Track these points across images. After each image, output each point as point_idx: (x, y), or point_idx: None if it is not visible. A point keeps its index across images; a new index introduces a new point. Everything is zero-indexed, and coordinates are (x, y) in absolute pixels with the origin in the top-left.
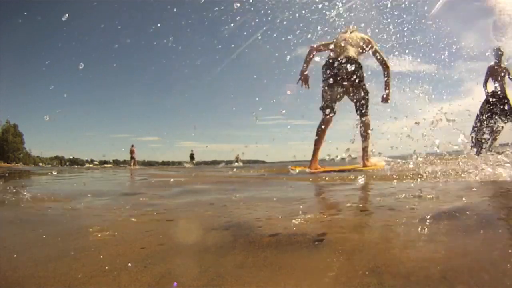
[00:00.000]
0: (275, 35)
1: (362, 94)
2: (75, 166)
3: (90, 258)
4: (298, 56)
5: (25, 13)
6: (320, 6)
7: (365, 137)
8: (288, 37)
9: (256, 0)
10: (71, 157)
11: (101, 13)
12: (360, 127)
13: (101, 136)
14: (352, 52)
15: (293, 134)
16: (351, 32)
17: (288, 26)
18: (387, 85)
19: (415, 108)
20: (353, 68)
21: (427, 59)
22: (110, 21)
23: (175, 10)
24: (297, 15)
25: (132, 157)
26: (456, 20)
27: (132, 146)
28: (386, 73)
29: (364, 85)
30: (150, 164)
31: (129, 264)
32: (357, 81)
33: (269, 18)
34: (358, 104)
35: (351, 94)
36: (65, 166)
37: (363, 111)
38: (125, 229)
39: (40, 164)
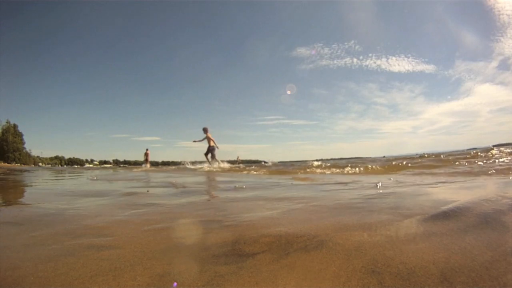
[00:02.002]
0: (273, 37)
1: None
2: (75, 166)
3: (90, 258)
4: (297, 56)
5: (25, 13)
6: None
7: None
8: (286, 38)
9: (256, 4)
10: (71, 157)
11: (101, 14)
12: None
13: (101, 136)
14: (212, 143)
15: (292, 134)
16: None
17: (286, 28)
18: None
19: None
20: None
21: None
22: (110, 22)
23: (176, 12)
24: (295, 18)
25: (146, 159)
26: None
27: (147, 150)
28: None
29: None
30: (150, 164)
31: (129, 264)
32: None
33: (268, 21)
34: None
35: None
36: (65, 166)
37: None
38: (124, 229)
39: (40, 164)
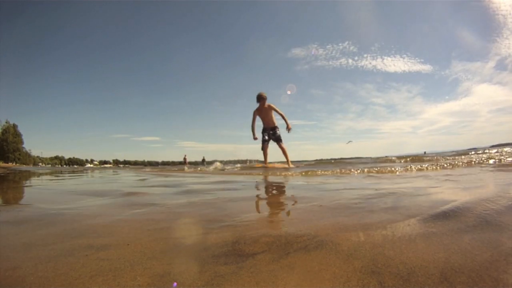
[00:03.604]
0: (271, 37)
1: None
2: (75, 166)
3: (90, 258)
4: (293, 56)
5: (25, 13)
6: None
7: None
8: (284, 39)
9: (255, 5)
10: (71, 157)
11: (101, 14)
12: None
13: (101, 136)
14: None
15: (291, 134)
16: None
17: (284, 28)
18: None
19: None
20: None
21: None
22: (110, 22)
23: (176, 12)
24: (289, 18)
25: (184, 162)
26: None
27: (185, 155)
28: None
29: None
30: (150, 164)
31: (129, 264)
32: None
33: (266, 21)
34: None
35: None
36: (65, 166)
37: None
38: (124, 229)
39: (40, 164)
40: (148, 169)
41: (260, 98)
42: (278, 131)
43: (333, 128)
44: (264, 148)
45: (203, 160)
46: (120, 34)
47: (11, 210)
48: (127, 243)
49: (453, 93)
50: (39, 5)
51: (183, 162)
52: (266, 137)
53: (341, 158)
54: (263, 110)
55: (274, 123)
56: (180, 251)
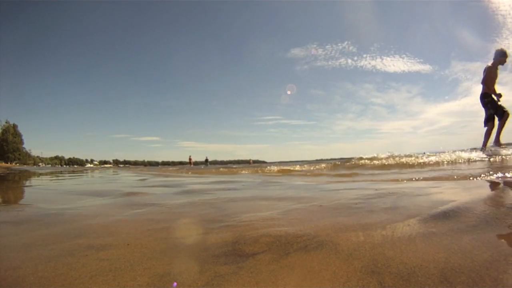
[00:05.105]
0: (271, 37)
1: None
2: (75, 165)
3: (90, 258)
4: (293, 56)
5: (25, 13)
6: None
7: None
8: (284, 39)
9: (255, 4)
10: (71, 157)
11: (101, 14)
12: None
13: (101, 136)
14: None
15: (291, 134)
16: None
17: (284, 28)
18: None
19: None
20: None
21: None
22: (110, 22)
23: (176, 12)
24: (292, 17)
25: (190, 162)
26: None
27: (190, 156)
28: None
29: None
30: (150, 164)
31: (129, 264)
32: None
33: (266, 21)
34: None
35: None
36: (65, 166)
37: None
38: (124, 229)
39: (40, 164)
40: (153, 168)
41: (505, 56)
42: (501, 103)
43: (333, 128)
44: (488, 130)
45: (206, 160)
46: (120, 34)
47: (11, 210)
48: (127, 243)
49: (452, 93)
50: (39, 5)
51: (188, 162)
52: (492, 110)
53: (341, 158)
54: (496, 72)
55: (496, 90)
56: (180, 251)
